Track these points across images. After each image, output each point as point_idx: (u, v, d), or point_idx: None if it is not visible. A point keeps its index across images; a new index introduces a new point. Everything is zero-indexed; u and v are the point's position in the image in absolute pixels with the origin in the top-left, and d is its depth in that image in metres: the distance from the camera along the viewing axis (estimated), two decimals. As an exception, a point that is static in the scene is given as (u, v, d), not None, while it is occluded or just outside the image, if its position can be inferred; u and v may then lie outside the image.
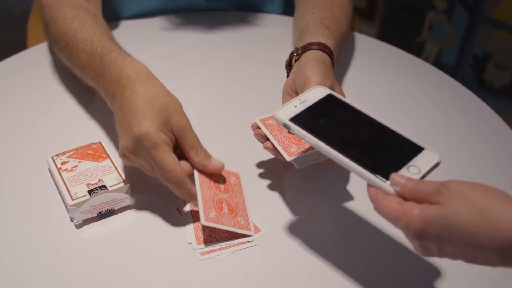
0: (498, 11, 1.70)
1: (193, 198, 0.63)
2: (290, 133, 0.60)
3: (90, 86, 0.75)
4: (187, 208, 0.68)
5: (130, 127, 0.62)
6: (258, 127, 0.70)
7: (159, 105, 0.63)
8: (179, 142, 0.64)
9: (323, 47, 0.76)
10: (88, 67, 0.73)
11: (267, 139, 0.69)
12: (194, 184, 0.64)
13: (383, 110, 0.85)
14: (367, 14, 2.04)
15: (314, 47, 0.76)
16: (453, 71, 1.81)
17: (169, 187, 0.63)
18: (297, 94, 0.72)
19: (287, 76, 0.78)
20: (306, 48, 0.77)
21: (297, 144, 0.67)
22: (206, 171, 0.65)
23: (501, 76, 1.76)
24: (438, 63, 1.86)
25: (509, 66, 1.75)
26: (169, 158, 0.61)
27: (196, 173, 0.65)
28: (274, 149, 0.68)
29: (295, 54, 0.77)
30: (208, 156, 0.65)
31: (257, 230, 0.66)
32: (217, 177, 0.67)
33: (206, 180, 0.65)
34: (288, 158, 0.66)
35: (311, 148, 0.66)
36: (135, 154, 0.63)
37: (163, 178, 0.62)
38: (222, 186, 0.66)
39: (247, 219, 0.65)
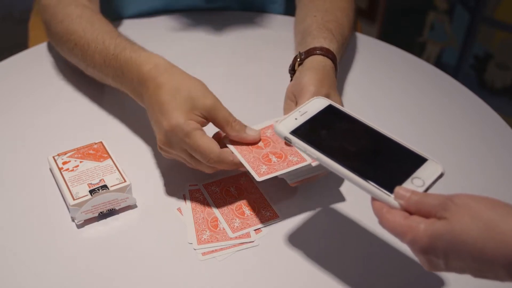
0: (499, 11, 1.70)
1: (240, 165, 0.65)
2: (287, 144, 0.60)
3: (108, 84, 0.77)
4: (188, 208, 0.68)
5: (160, 122, 0.64)
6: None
7: (183, 94, 0.65)
8: (213, 121, 0.66)
9: (326, 52, 0.76)
10: (105, 67, 0.74)
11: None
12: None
13: (384, 111, 0.85)
14: (368, 14, 2.04)
15: (317, 51, 0.76)
16: (454, 71, 1.80)
17: (217, 167, 0.65)
18: (296, 101, 0.72)
19: (291, 80, 0.77)
20: (309, 53, 0.76)
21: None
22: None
23: (502, 76, 1.77)
24: (439, 63, 1.86)
25: (510, 66, 1.75)
26: (203, 141, 0.63)
27: (230, 146, 0.66)
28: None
29: (298, 59, 0.77)
30: (243, 128, 0.67)
31: (258, 231, 0.66)
32: None
33: (244, 146, 0.67)
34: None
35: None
36: (171, 146, 0.65)
37: (205, 161, 0.64)
38: (261, 143, 0.67)
39: (298, 154, 0.65)
